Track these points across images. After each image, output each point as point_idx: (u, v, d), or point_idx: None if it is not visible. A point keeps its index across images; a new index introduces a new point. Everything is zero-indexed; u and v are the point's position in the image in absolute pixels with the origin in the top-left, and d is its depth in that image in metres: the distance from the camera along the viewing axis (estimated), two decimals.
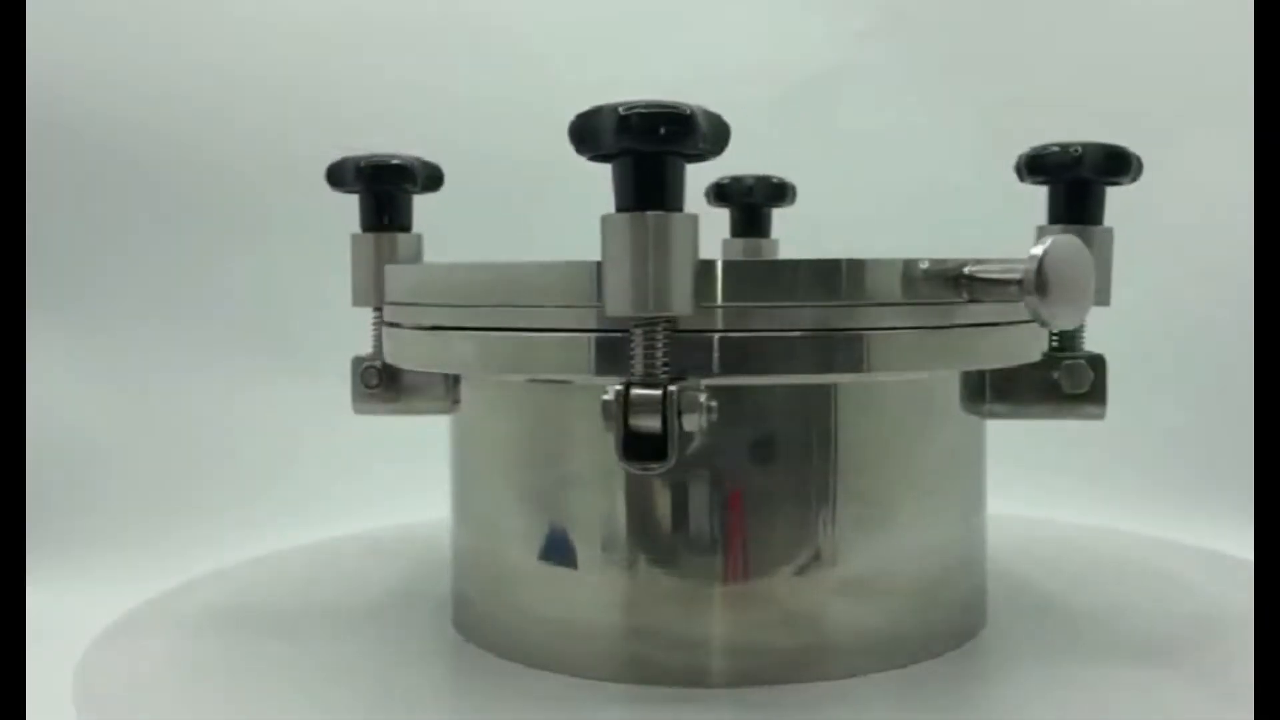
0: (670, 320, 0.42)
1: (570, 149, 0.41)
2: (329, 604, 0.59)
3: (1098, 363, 0.53)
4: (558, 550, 0.48)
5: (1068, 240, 0.42)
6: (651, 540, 0.47)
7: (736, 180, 0.71)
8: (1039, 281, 0.41)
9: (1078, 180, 0.52)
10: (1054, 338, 0.54)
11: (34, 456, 0.71)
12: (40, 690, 0.49)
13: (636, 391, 0.41)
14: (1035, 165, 0.52)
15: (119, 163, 0.88)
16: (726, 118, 0.41)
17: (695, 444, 0.42)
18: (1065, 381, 0.53)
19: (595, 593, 0.48)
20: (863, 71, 0.92)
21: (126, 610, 0.58)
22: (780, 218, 0.73)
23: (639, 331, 0.41)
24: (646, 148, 0.40)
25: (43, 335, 0.80)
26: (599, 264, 0.42)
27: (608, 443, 0.42)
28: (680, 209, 0.41)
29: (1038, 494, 0.64)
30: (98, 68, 0.88)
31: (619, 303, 0.41)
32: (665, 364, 0.42)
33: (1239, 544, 0.64)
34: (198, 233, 0.91)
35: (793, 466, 0.48)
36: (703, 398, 0.41)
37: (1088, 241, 0.52)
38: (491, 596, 0.52)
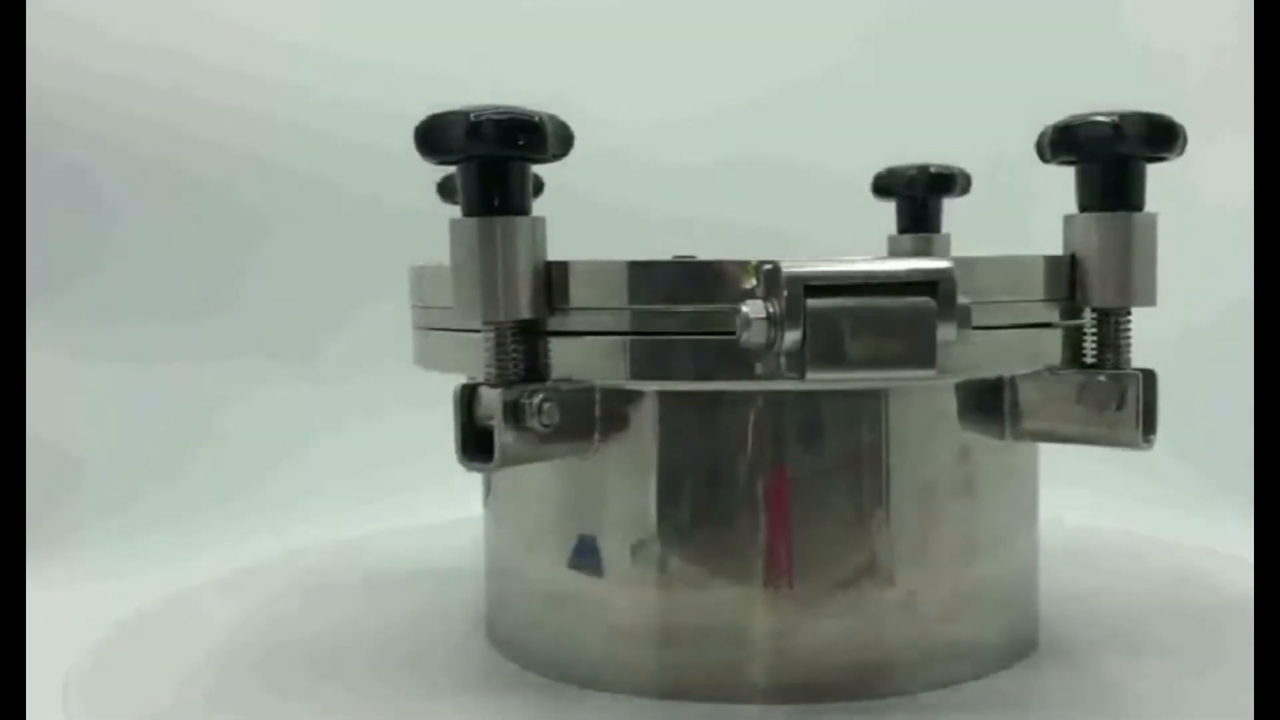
0: (520, 324, 0.42)
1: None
2: (341, 604, 0.59)
3: (1129, 380, 0.44)
4: (588, 558, 0.47)
5: None
6: (690, 550, 0.46)
7: (895, 172, 0.66)
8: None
9: (1114, 157, 0.44)
10: (1091, 347, 0.45)
11: (34, 456, 0.68)
12: (40, 691, 0.48)
13: (484, 391, 0.42)
14: (1062, 141, 0.44)
15: (123, 161, 0.88)
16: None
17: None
18: (1087, 402, 0.44)
19: (630, 606, 0.46)
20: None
21: (129, 612, 0.58)
22: None
23: (490, 334, 0.42)
24: (495, 153, 0.41)
25: (44, 334, 0.78)
26: (629, 264, 0.42)
27: (639, 448, 0.44)
28: (527, 213, 0.42)
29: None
30: (102, 66, 0.87)
31: (469, 308, 0.42)
32: (515, 366, 0.42)
33: (1239, 544, 0.64)
34: (202, 232, 0.90)
35: (841, 474, 0.45)
36: (537, 400, 0.41)
37: (1128, 230, 0.44)
38: (523, 609, 0.50)
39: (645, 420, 0.45)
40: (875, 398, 0.45)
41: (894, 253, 0.68)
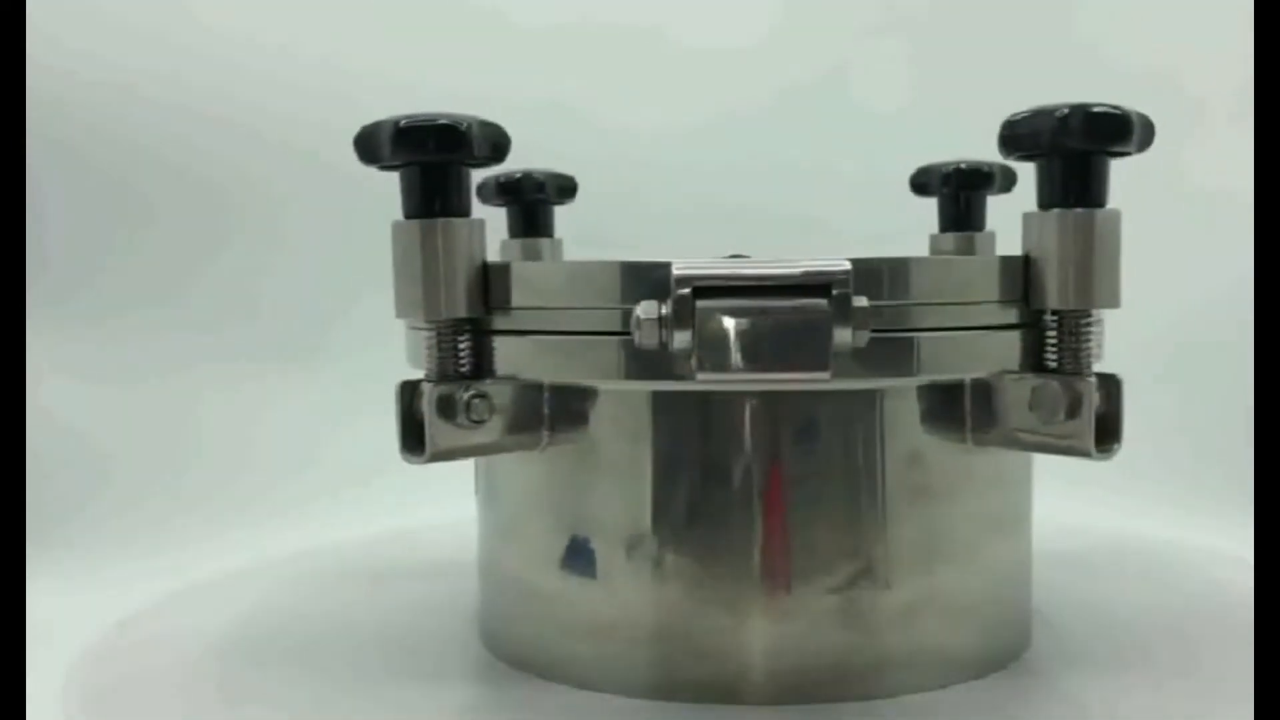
0: (461, 322, 0.44)
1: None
2: (340, 603, 0.59)
3: (1084, 386, 0.41)
4: (581, 559, 0.47)
5: None
6: (684, 549, 0.45)
7: (930, 169, 0.64)
8: None
9: (1067, 151, 0.41)
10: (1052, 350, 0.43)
11: (34, 456, 0.68)
12: (40, 691, 0.47)
13: (424, 386, 0.43)
14: (1010, 135, 0.42)
15: (123, 160, 0.88)
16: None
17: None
18: (1038, 408, 0.42)
19: (624, 605, 0.46)
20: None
21: (129, 612, 0.58)
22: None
23: (431, 332, 0.44)
24: (422, 158, 0.42)
25: (44, 334, 0.79)
26: (623, 264, 0.43)
27: (635, 449, 0.45)
28: (466, 214, 0.43)
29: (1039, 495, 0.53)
30: (101, 65, 0.87)
31: (410, 307, 0.43)
32: (457, 363, 0.44)
33: (1239, 544, 0.64)
34: (203, 232, 0.90)
35: (836, 475, 0.45)
36: (466, 396, 0.42)
37: (1088, 228, 0.42)
38: (516, 609, 0.50)
39: (629, 419, 0.45)
40: (871, 398, 0.44)
41: (935, 251, 0.65)
